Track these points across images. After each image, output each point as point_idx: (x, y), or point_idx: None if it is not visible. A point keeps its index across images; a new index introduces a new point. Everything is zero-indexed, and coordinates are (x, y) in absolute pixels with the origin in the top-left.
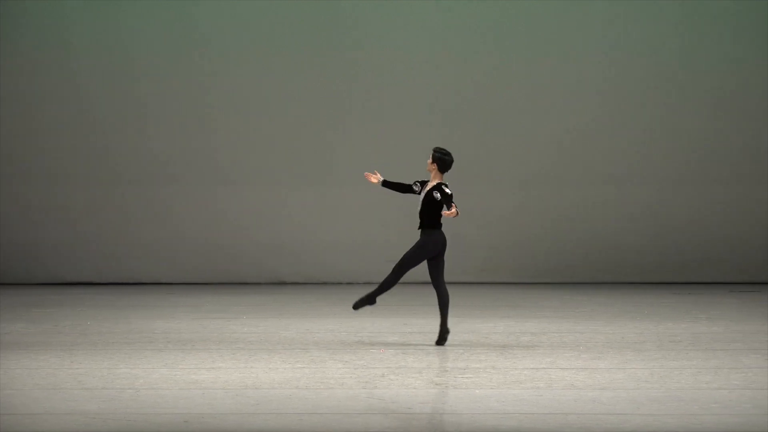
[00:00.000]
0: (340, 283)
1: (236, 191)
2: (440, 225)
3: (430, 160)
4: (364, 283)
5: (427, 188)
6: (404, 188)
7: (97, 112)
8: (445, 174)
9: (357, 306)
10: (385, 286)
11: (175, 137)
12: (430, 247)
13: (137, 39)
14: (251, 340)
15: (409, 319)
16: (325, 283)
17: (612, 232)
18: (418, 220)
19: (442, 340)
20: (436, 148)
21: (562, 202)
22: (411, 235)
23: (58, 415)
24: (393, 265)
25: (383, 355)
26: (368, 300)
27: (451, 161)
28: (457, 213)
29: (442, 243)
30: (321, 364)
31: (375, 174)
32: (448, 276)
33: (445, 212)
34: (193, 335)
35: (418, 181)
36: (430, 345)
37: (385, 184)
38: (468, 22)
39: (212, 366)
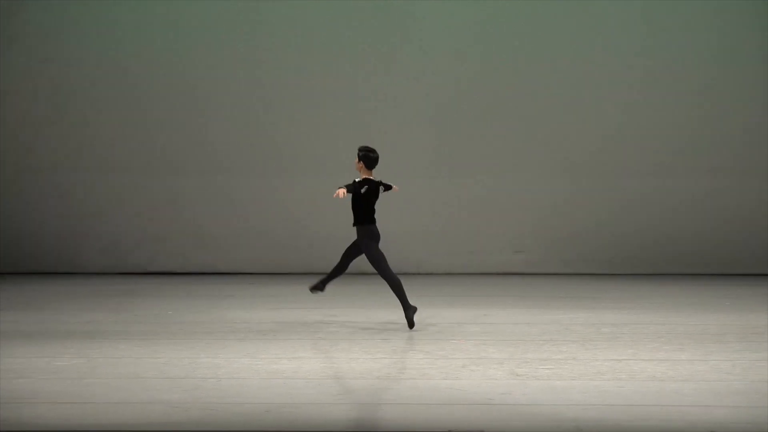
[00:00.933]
0: (419, 274)
1: (315, 182)
2: (374, 220)
3: (356, 160)
4: (444, 274)
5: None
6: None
7: (157, 106)
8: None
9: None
10: (394, 285)
11: (233, 128)
12: (373, 236)
13: (194, 30)
14: (332, 331)
15: (489, 309)
16: (404, 274)
17: (673, 222)
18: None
19: (315, 288)
20: (361, 147)
21: (623, 192)
22: (487, 225)
23: (139, 404)
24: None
25: (464, 346)
26: (407, 311)
27: (376, 158)
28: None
29: (378, 233)
30: (402, 355)
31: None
32: (535, 267)
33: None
34: (274, 325)
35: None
36: (511, 335)
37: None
38: (512, 16)
39: (293, 356)
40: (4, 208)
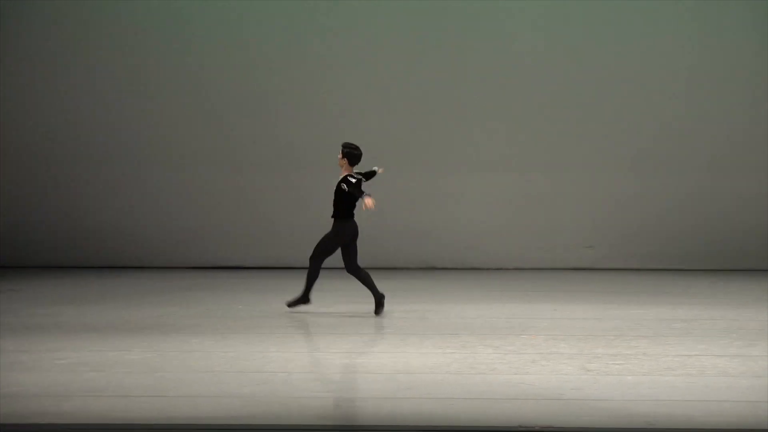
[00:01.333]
0: (489, 269)
1: (384, 176)
2: (353, 215)
3: (340, 155)
4: (514, 269)
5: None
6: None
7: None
8: (356, 166)
9: (291, 305)
10: (312, 278)
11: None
12: (344, 235)
13: (258, 27)
14: (402, 325)
15: (559, 304)
16: (474, 269)
17: (744, 217)
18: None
19: (379, 307)
20: (345, 143)
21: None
22: (557, 221)
23: (211, 397)
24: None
25: (534, 341)
26: (303, 299)
27: (360, 155)
28: (373, 202)
29: (354, 231)
30: (472, 350)
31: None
32: (605, 263)
33: (366, 204)
34: (343, 320)
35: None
36: (582, 330)
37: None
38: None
39: (364, 350)
40: (67, 203)
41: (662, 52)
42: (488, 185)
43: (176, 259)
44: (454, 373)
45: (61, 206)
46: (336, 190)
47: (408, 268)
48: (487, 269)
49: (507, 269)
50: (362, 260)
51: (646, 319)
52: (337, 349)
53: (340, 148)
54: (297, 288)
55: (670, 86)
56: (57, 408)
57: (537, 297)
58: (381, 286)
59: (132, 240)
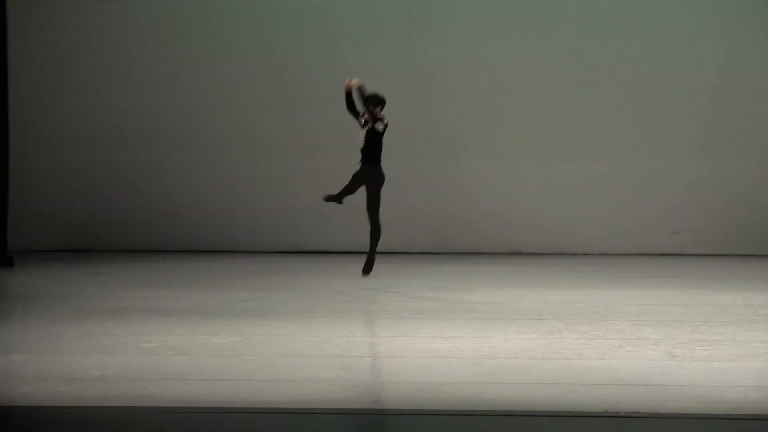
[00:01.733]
0: (576, 254)
1: (471, 160)
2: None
3: (379, 108)
4: (600, 254)
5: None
6: (353, 110)
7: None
8: None
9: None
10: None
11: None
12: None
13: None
14: (487, 310)
15: (645, 290)
16: (560, 254)
17: None
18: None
19: (367, 269)
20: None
21: None
22: (643, 206)
23: (296, 381)
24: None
25: (620, 326)
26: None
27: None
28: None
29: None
30: (557, 335)
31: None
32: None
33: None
34: (429, 304)
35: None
36: (668, 316)
37: (352, 93)
38: None
39: (449, 335)
40: (154, 187)
41: (737, 31)
42: (573, 171)
43: (263, 243)
44: (539, 358)
45: (148, 190)
46: (369, 134)
47: (493, 253)
48: (573, 254)
49: (593, 254)
50: (451, 245)
51: (734, 304)
52: (423, 334)
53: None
54: (381, 273)
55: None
56: (142, 391)
57: (623, 282)
58: (465, 271)
59: (218, 224)
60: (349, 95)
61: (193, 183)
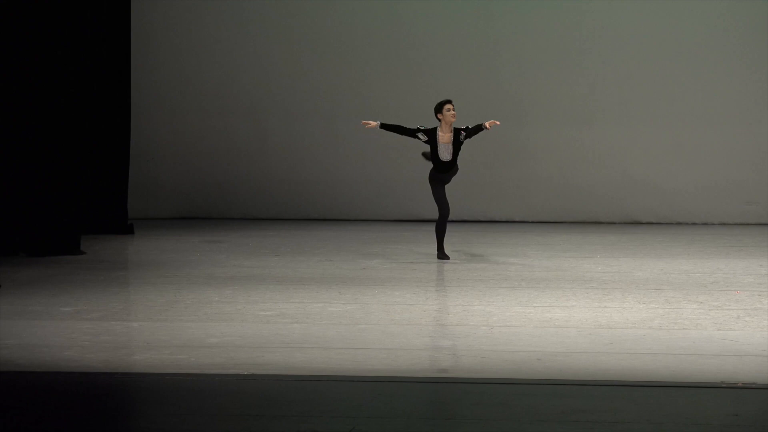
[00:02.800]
0: (695, 224)
1: (591, 130)
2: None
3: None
4: (719, 224)
5: (450, 138)
6: (405, 131)
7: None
8: None
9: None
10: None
11: (530, 78)
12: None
13: None
14: (605, 279)
15: (764, 260)
16: (679, 224)
17: None
18: (451, 165)
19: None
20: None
21: None
22: (760, 178)
23: (412, 350)
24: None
25: (739, 297)
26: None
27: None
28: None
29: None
30: (675, 305)
31: (369, 123)
32: None
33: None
34: (546, 273)
35: (422, 129)
36: None
37: (384, 126)
38: None
39: (566, 305)
40: (270, 156)
41: None
42: (692, 138)
43: (379, 211)
44: (656, 328)
45: (262, 160)
46: (458, 147)
47: (612, 222)
48: (692, 224)
49: (712, 224)
50: (574, 215)
51: None
52: (539, 303)
53: (449, 106)
54: (498, 242)
55: None
56: (260, 358)
57: (742, 252)
58: (583, 240)
59: (334, 193)
60: (390, 128)
61: (306, 152)
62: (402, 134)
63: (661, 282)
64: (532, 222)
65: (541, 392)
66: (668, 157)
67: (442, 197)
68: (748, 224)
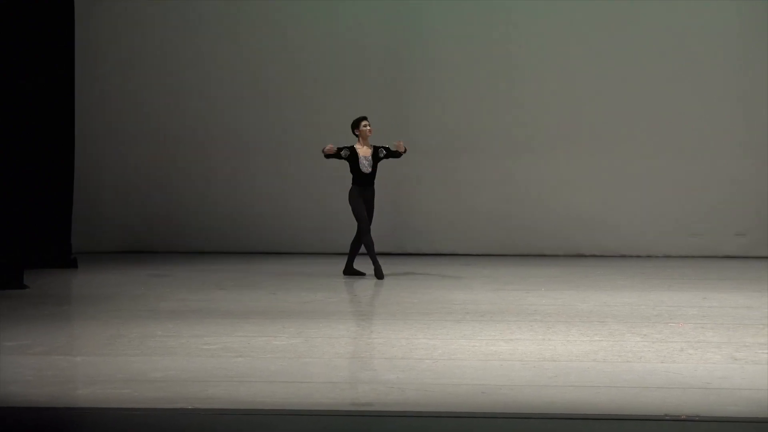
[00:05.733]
0: (639, 256)
1: (532, 162)
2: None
3: (370, 128)
4: (663, 257)
5: (369, 152)
6: (336, 156)
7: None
8: None
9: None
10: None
11: (472, 110)
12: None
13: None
14: (549, 312)
15: (708, 292)
16: (623, 256)
17: None
18: (371, 179)
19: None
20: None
21: None
22: (708, 208)
23: (355, 383)
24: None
25: (682, 329)
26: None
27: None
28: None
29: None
30: (619, 337)
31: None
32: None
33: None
34: (491, 306)
35: (343, 147)
36: (731, 319)
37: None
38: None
39: (510, 338)
40: (213, 190)
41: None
42: (635, 172)
43: (323, 245)
44: (600, 361)
45: (209, 194)
46: (377, 162)
47: (556, 255)
48: (636, 257)
49: (656, 257)
50: (518, 248)
51: None
52: (484, 336)
53: (365, 122)
54: (443, 275)
55: None
56: (204, 392)
57: (685, 285)
58: (527, 273)
59: (280, 226)
60: (331, 156)
61: (251, 185)
62: (337, 158)
63: (605, 315)
64: (477, 255)
65: (485, 426)
66: (611, 189)
67: (362, 212)
68: (692, 257)
